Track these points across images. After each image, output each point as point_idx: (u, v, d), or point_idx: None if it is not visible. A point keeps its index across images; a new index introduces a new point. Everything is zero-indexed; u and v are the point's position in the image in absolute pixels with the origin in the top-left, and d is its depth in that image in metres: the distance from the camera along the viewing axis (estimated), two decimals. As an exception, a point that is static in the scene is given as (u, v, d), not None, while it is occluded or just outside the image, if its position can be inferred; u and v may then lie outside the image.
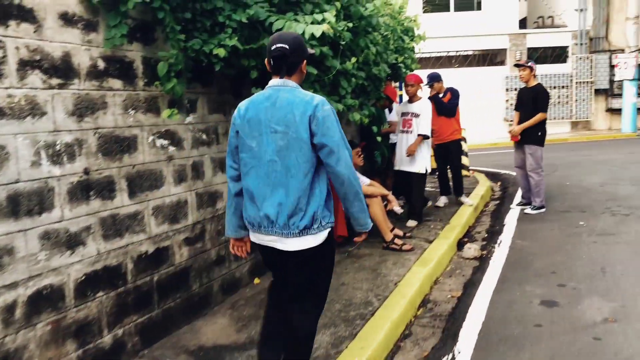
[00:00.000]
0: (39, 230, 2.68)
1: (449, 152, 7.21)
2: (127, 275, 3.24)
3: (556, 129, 19.34)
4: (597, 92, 20.42)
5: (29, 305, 2.63)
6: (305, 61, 2.53)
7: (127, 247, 3.23)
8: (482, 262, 5.12)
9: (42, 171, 2.70)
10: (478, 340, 3.44)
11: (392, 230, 5.35)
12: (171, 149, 3.58)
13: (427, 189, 7.01)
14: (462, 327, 3.66)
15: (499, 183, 9.79)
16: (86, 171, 2.94)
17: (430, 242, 5.47)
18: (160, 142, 3.48)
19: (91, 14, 2.96)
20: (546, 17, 22.47)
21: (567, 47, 20.70)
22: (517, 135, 6.90)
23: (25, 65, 2.61)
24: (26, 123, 2.61)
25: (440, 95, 7.07)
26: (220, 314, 3.88)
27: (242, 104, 2.55)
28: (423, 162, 6.19)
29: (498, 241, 5.77)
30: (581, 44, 20.12)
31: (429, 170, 6.34)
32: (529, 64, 6.85)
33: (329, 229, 2.50)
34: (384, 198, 5.70)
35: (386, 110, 7.39)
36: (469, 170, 10.23)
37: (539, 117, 6.71)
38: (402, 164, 6.32)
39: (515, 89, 18.77)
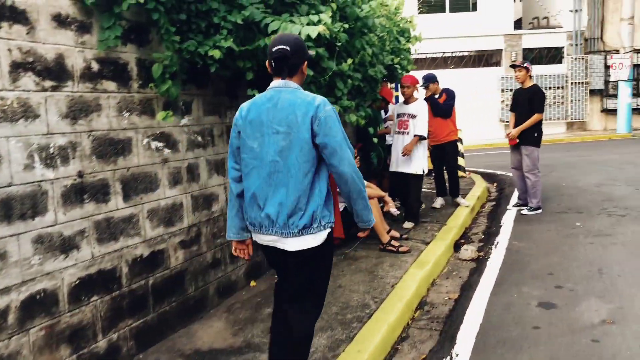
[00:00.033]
0: (32, 234, 2.65)
1: (445, 153, 7.20)
2: (122, 279, 3.21)
3: (552, 130, 19.39)
4: (592, 92, 20.52)
5: (22, 311, 2.60)
6: (306, 63, 2.56)
7: (122, 251, 3.20)
8: (479, 263, 5.10)
9: (35, 174, 2.67)
10: (476, 343, 3.43)
11: (388, 232, 5.34)
12: (166, 151, 3.56)
13: (423, 190, 7.00)
14: (460, 330, 3.64)
15: (495, 184, 9.79)
16: (80, 174, 2.91)
17: (427, 243, 5.46)
18: (155, 144, 3.45)
19: (85, 15, 2.93)
20: (541, 17, 22.56)
21: (562, 47, 20.79)
22: (516, 138, 6.89)
23: (17, 67, 2.58)
24: (19, 126, 2.58)
25: (436, 96, 7.06)
26: (216, 317, 3.86)
27: (244, 105, 2.57)
28: (420, 163, 6.16)
29: (495, 242, 5.76)
30: (576, 45, 20.20)
31: (426, 171, 6.32)
32: (525, 64, 6.85)
33: (328, 230, 2.51)
34: (381, 199, 5.69)
35: (382, 112, 7.37)
36: (465, 171, 10.23)
37: (535, 118, 6.71)
38: (399, 165, 6.28)
39: (511, 90, 18.81)
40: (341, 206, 5.21)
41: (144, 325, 3.36)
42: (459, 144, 8.62)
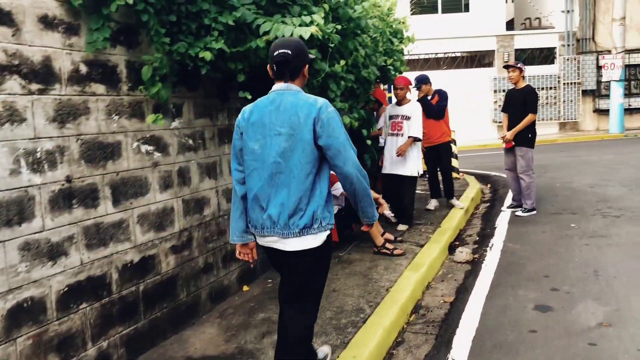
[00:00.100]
0: (18, 241, 2.58)
1: (438, 155, 7.17)
2: (112, 285, 3.14)
3: (544, 130, 19.44)
4: (585, 93, 20.61)
5: (8, 319, 2.53)
6: (307, 65, 2.60)
7: (112, 257, 3.14)
8: (474, 266, 5.07)
9: (21, 180, 2.60)
10: (472, 347, 3.39)
11: (383, 235, 5.29)
12: (156, 154, 3.50)
13: (417, 191, 6.97)
14: (456, 334, 3.60)
15: (489, 185, 9.78)
16: (68, 179, 2.85)
17: (422, 246, 5.42)
18: (145, 148, 3.39)
19: (72, 17, 2.87)
20: (533, 18, 22.64)
21: (554, 48, 20.87)
22: (511, 141, 6.86)
23: (3, 70, 2.51)
24: (4, 130, 2.52)
25: (429, 98, 7.02)
26: (208, 323, 3.80)
27: (247, 108, 2.60)
28: (414, 164, 6.10)
29: (490, 244, 5.73)
30: (568, 45, 20.29)
31: (420, 172, 6.28)
32: (519, 65, 6.84)
33: (328, 231, 2.53)
34: (375, 202, 5.64)
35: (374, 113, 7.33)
36: (459, 172, 10.21)
37: (529, 118, 6.69)
38: (393, 167, 6.19)
39: (503, 91, 18.86)
40: (335, 209, 5.17)
41: (135, 332, 3.30)
42: (452, 145, 8.59)
